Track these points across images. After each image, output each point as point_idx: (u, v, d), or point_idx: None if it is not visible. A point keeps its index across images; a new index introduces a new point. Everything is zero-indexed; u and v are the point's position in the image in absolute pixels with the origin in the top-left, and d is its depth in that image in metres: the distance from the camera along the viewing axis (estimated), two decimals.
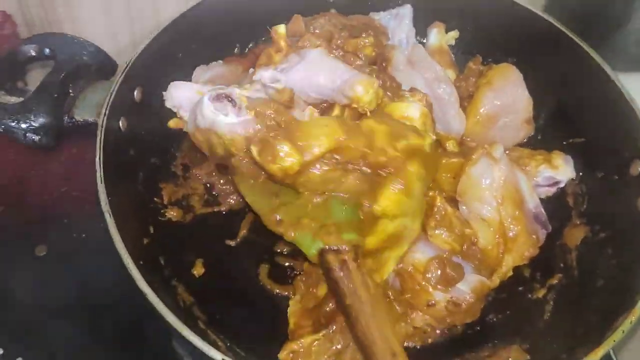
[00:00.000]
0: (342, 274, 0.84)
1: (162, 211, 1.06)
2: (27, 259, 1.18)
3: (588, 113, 1.11)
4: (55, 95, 0.99)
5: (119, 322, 1.11)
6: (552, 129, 1.19)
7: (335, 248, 0.86)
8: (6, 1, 1.46)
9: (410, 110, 0.98)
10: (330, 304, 0.91)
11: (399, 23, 1.21)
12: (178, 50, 1.13)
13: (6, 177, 1.24)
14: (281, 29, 1.01)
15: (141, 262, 0.89)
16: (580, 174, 1.11)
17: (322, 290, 0.95)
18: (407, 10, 1.22)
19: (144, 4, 1.51)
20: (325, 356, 0.89)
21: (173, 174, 1.12)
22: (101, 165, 0.91)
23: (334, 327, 0.89)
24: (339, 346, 0.88)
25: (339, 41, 1.04)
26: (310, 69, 0.97)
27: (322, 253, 0.86)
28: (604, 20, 1.46)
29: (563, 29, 1.14)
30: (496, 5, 1.20)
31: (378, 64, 1.08)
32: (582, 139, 1.13)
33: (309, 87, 0.98)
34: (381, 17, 1.22)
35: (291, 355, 0.89)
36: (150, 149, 1.07)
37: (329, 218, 0.89)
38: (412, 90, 1.01)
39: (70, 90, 1.03)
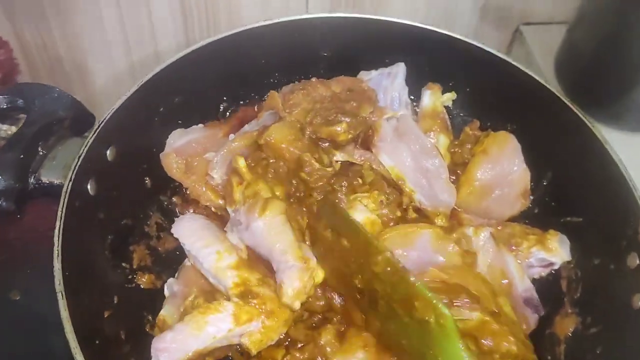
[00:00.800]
0: None
1: (129, 277, 1.01)
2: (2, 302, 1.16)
3: (587, 192, 1.04)
4: (22, 157, 0.95)
5: None
6: (550, 204, 1.12)
7: None
8: (1, 27, 1.43)
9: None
10: None
11: (391, 82, 1.15)
12: (160, 104, 1.09)
13: None
14: (241, 162, 0.98)
15: (97, 342, 0.86)
16: (577, 257, 1.04)
17: None
18: (400, 69, 1.16)
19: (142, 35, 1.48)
20: None
21: (146, 235, 1.07)
22: (60, 238, 0.86)
23: None
24: None
25: (309, 131, 0.99)
26: (255, 240, 0.93)
27: None
28: (616, 79, 1.40)
29: (566, 101, 1.07)
30: (497, 68, 1.14)
31: (361, 138, 1.03)
32: (579, 219, 1.06)
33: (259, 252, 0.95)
34: (372, 77, 1.16)
35: None
36: (122, 211, 1.03)
37: None
38: (372, 186, 0.96)
39: (40, 149, 0.98)
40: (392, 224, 1.00)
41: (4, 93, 1.02)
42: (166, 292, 1.00)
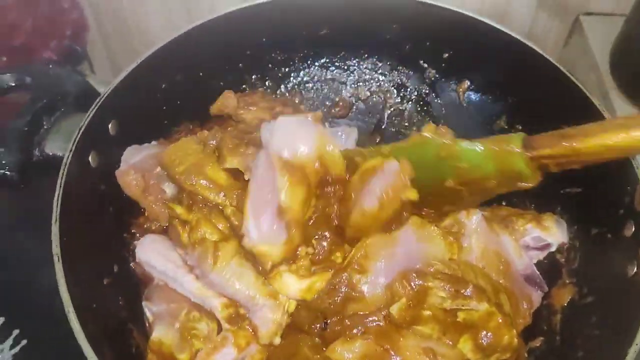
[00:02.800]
0: None
1: (131, 247, 1.04)
2: None
3: None
4: (26, 129, 0.99)
5: None
6: (549, 175, 1.11)
7: None
8: None
9: None
10: None
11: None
12: (161, 81, 1.11)
13: None
14: (178, 209, 0.96)
15: (94, 305, 0.89)
16: (575, 227, 1.03)
17: None
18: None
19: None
20: None
21: None
22: (59, 205, 0.89)
23: None
24: None
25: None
26: (217, 287, 0.92)
27: None
28: None
29: (572, 78, 1.05)
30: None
31: None
32: (579, 189, 1.05)
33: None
34: None
35: None
36: None
37: None
38: None
39: (45, 122, 1.02)
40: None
41: (12, 71, 1.06)
42: (148, 315, 0.97)
